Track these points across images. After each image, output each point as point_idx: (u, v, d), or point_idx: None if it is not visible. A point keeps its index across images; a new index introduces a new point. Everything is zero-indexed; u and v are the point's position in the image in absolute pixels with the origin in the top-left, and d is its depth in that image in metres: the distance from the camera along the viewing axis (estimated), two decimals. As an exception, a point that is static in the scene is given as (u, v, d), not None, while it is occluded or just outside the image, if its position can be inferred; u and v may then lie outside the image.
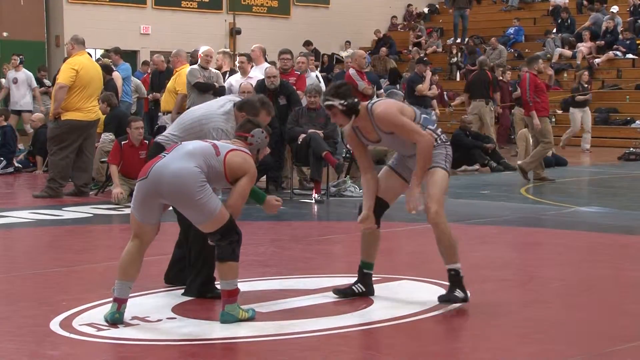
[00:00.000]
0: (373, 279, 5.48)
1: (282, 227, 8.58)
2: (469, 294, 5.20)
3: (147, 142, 10.23)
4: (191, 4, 23.91)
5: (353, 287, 5.46)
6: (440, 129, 5.37)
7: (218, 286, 5.05)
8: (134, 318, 4.92)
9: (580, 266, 6.77)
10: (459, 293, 5.17)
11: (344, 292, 5.44)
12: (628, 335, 4.68)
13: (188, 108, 11.48)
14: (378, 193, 5.33)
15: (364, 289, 5.44)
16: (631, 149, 17.25)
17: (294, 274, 6.24)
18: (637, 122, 18.90)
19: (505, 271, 5.60)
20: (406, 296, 5.50)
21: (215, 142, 4.95)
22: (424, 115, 5.34)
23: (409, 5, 28.22)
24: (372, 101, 5.31)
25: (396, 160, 5.41)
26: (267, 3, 25.24)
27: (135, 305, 5.21)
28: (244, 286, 5.63)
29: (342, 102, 5.11)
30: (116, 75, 13.67)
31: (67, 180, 10.65)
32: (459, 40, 24.35)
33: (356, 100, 5.17)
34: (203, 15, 24.04)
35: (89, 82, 10.47)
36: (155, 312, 5.07)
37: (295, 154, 10.66)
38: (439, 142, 5.25)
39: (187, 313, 5.08)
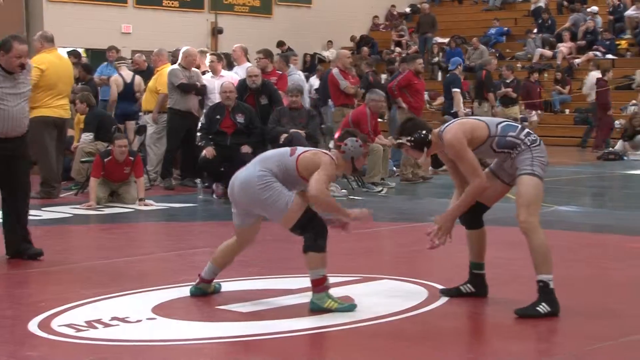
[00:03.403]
0: (355, 278, 5.45)
1: (266, 227, 8.53)
2: (559, 306, 5.01)
3: (132, 158, 9.94)
4: (172, 3, 23.83)
5: (460, 287, 5.42)
6: (525, 131, 5.19)
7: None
8: (113, 319, 4.89)
9: (560, 265, 6.76)
10: (542, 308, 4.97)
11: (449, 292, 5.41)
12: (609, 333, 4.69)
13: (169, 108, 11.52)
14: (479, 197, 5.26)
15: (473, 289, 5.39)
16: (610, 148, 17.34)
17: (278, 273, 6.23)
18: (617, 122, 19.00)
19: (488, 270, 5.60)
20: (387, 295, 5.49)
21: (299, 147, 5.25)
22: (503, 123, 5.21)
23: (393, 5, 28.24)
24: (443, 127, 5.21)
25: (495, 164, 5.34)
26: (249, 2, 25.20)
27: (114, 306, 5.19)
28: (227, 286, 5.62)
29: (408, 138, 5.16)
30: (115, 79, 13.29)
31: (59, 180, 10.46)
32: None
33: (423, 133, 5.13)
34: (185, 14, 23.97)
35: (57, 80, 10.16)
36: (135, 312, 5.04)
37: (277, 153, 10.62)
38: (523, 146, 5.10)
39: (167, 313, 5.05)
